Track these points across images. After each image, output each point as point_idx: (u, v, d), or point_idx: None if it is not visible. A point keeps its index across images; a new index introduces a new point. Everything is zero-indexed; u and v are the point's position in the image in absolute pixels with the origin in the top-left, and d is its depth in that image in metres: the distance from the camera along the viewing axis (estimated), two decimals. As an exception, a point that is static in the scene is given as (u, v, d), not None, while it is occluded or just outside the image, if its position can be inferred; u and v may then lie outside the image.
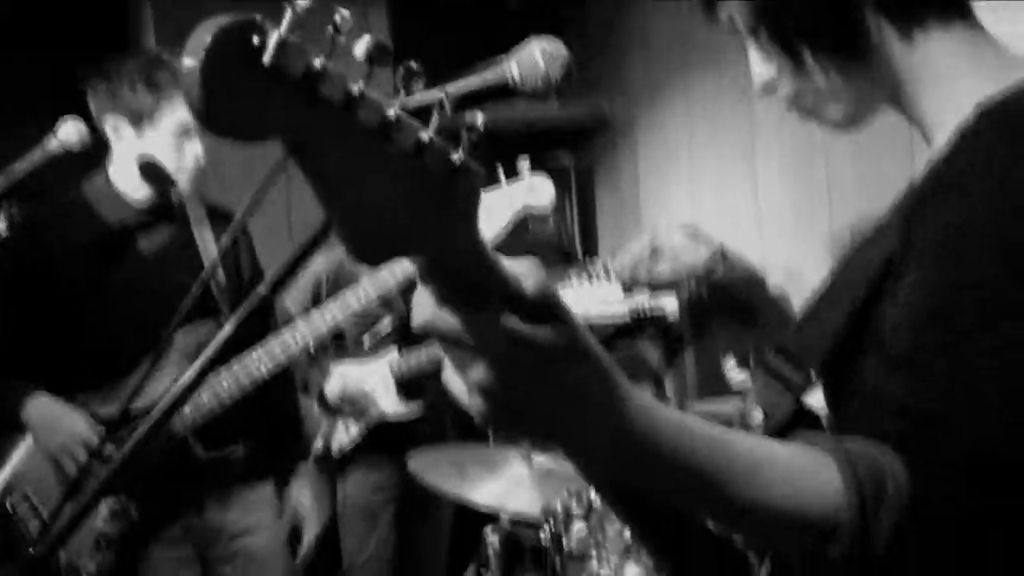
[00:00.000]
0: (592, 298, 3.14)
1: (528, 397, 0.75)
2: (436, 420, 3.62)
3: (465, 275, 0.73)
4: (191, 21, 0.65)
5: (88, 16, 4.18)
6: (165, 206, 2.63)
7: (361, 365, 3.45)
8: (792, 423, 0.98)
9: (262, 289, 1.01)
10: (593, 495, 2.63)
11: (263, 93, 0.63)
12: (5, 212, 2.35)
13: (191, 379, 1.01)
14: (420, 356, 3.42)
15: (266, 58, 0.63)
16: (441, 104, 0.71)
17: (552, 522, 2.57)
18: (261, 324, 2.66)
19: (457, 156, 0.71)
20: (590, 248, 5.21)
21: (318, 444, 3.52)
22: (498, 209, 2.59)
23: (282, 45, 0.63)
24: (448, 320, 0.73)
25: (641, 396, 0.81)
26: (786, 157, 4.37)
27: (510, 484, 2.87)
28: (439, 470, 2.95)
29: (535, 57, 1.11)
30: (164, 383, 2.42)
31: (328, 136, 0.66)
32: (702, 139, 4.59)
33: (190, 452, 2.53)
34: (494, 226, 2.57)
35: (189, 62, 0.62)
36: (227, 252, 2.69)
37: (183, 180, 2.56)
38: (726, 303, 4.46)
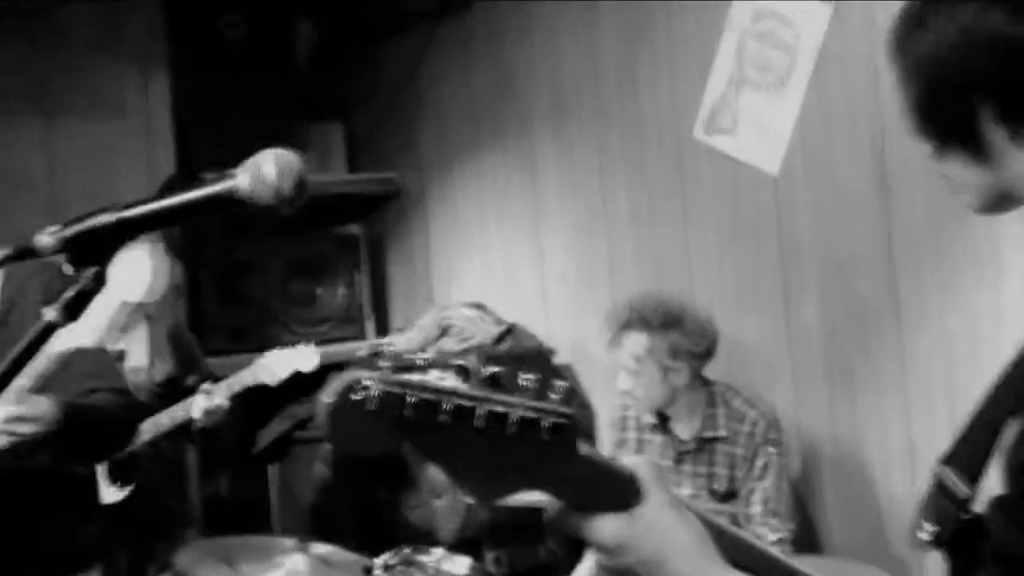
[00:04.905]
0: None
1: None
2: (181, 497, 3.47)
3: (579, 491, 0.93)
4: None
5: None
6: None
7: None
8: (960, 534, 1.12)
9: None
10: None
11: (382, 424, 0.84)
12: None
13: None
14: None
15: (371, 406, 0.83)
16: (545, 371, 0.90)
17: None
18: None
19: (559, 417, 0.88)
20: (381, 318, 5.18)
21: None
22: None
23: (385, 395, 0.84)
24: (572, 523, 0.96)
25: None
26: (568, 230, 4.37)
27: (286, 576, 2.73)
28: (207, 566, 2.75)
29: (266, 170, 1.05)
30: None
31: (442, 444, 0.86)
32: (491, 214, 4.64)
33: None
34: None
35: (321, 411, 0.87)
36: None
37: None
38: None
